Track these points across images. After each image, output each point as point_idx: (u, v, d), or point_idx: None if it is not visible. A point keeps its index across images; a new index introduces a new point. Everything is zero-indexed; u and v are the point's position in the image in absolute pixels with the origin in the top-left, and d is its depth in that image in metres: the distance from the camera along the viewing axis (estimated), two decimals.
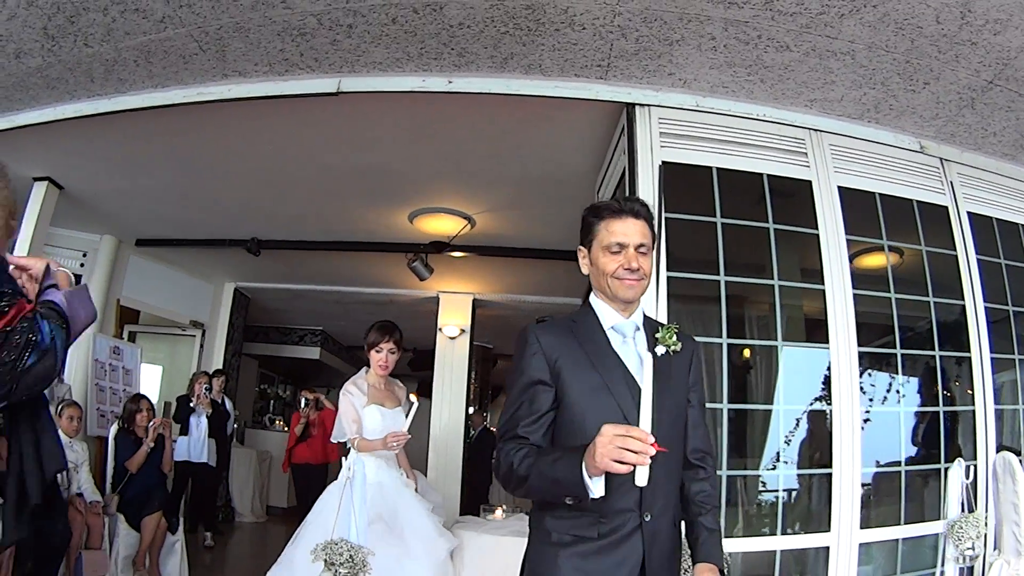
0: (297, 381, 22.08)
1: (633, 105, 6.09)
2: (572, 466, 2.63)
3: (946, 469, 5.67)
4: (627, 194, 5.77)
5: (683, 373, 3.18)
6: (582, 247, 3.24)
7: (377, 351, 6.48)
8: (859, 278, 5.99)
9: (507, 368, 3.10)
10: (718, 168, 5.98)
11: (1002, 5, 4.75)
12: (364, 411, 6.29)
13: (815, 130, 6.27)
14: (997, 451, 5.93)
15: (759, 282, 5.81)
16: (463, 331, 13.75)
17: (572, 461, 2.64)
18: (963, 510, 5.37)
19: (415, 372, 18.29)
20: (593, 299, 3.24)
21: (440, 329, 13.75)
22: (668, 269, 5.61)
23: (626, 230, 3.11)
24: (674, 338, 3.12)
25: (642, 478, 2.52)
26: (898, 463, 5.81)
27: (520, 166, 7.82)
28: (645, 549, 2.84)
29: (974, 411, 6.05)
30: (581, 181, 7.69)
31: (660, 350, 3.09)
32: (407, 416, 6.29)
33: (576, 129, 6.83)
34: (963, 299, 6.27)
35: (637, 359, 3.05)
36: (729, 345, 5.61)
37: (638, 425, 2.58)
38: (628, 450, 2.46)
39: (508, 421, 2.96)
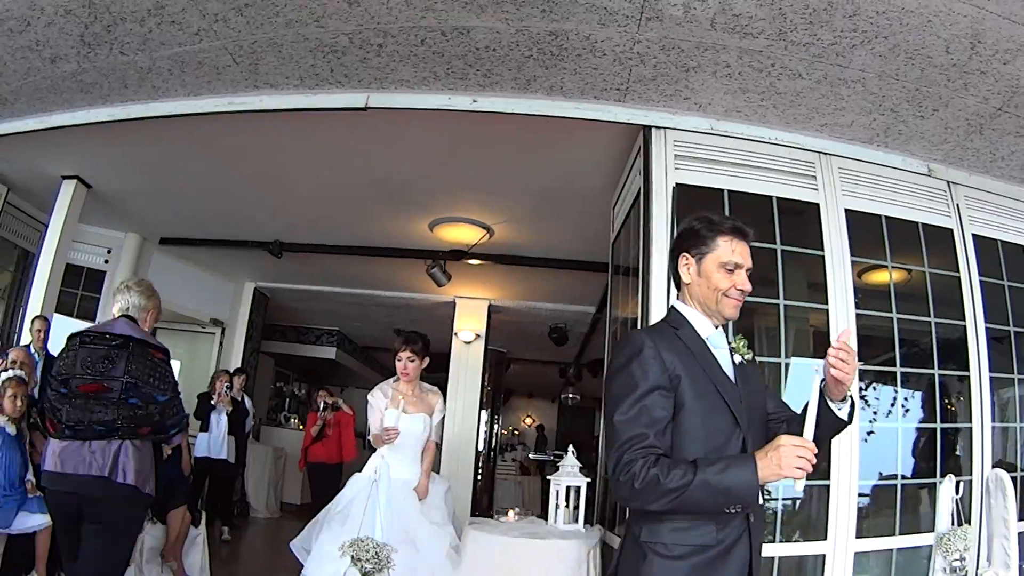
0: (312, 380, 22.14)
1: (649, 127, 6.26)
2: (748, 474, 2.73)
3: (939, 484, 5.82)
4: (643, 214, 6.06)
5: (758, 378, 3.39)
6: (688, 255, 3.23)
7: (398, 359, 6.71)
8: (864, 293, 6.17)
9: (611, 375, 2.96)
10: (729, 190, 6.14)
11: (1012, 36, 4.89)
12: (385, 413, 6.51)
13: (825, 153, 6.41)
14: (993, 467, 6.09)
15: (766, 301, 5.94)
16: (478, 336, 13.90)
17: (745, 470, 2.74)
18: (953, 524, 5.52)
19: (428, 374, 18.41)
20: (684, 308, 3.26)
21: (456, 334, 13.90)
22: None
23: (744, 252, 3.19)
24: (746, 348, 3.30)
25: (801, 485, 2.72)
26: (896, 476, 5.97)
27: (540, 180, 8.01)
28: (752, 548, 2.97)
29: (971, 428, 6.19)
30: (598, 196, 7.88)
31: (736, 359, 3.25)
32: (431, 418, 6.60)
33: (594, 147, 7.01)
34: (964, 319, 6.40)
35: (732, 369, 3.20)
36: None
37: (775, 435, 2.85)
38: (805, 459, 2.68)
39: (629, 428, 2.87)
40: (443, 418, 6.81)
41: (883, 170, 6.57)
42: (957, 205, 6.73)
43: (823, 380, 3.03)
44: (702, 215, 3.30)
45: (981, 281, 6.57)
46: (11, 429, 6.43)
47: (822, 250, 6.10)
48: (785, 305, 5.91)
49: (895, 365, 6.16)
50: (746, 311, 5.96)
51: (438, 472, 7.26)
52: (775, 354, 5.91)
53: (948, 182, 6.76)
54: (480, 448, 14.84)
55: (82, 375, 4.77)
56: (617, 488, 2.85)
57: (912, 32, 4.97)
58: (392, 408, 6.49)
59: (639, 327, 3.09)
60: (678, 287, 3.33)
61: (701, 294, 3.20)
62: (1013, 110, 5.81)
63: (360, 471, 6.61)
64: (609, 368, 3.08)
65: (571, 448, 6.94)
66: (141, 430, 4.91)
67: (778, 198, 6.22)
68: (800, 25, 5.04)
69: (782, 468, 2.68)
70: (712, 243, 3.18)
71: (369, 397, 6.72)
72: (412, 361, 6.68)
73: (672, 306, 3.32)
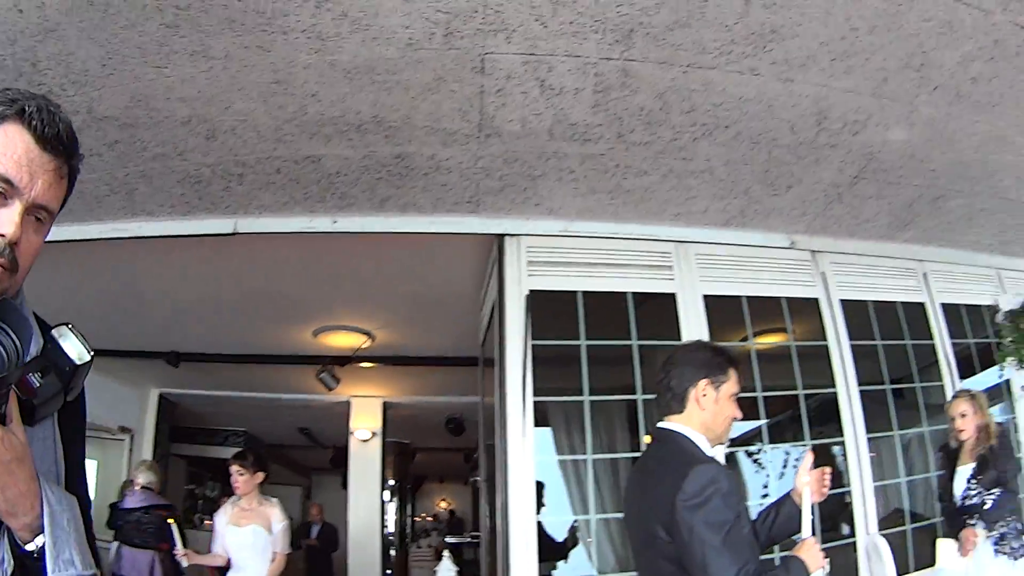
0: (224, 480, 21.85)
1: (503, 236, 6.41)
2: (804, 572, 3.13)
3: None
4: (499, 320, 6.21)
5: None
6: (710, 383, 3.37)
7: (230, 474, 6.73)
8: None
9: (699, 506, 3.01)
10: (584, 291, 6.27)
11: (858, 107, 5.06)
12: (227, 529, 6.57)
13: (681, 242, 6.54)
14: (877, 529, 6.20)
15: (623, 398, 6.13)
16: (374, 434, 13.98)
17: (801, 569, 3.13)
18: None
19: (336, 468, 18.36)
20: (694, 435, 3.35)
21: (352, 433, 13.99)
22: (535, 394, 5.94)
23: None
24: None
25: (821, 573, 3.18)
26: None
27: (410, 287, 8.17)
28: None
29: (851, 491, 6.29)
30: (468, 298, 8.08)
31: None
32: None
33: (458, 255, 7.18)
34: (835, 386, 6.53)
35: None
36: (595, 460, 5.91)
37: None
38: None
39: (738, 555, 2.98)
40: (285, 527, 6.77)
41: (744, 249, 6.70)
42: (823, 273, 6.85)
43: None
44: (706, 344, 3.71)
45: (851, 345, 6.68)
46: None
47: (679, 339, 6.13)
48: (643, 400, 5.97)
49: (762, 443, 6.31)
50: (630, 405, 6.11)
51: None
52: (637, 448, 6.05)
53: (812, 251, 6.90)
54: (391, 537, 14.80)
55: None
56: None
57: (754, 119, 5.14)
58: (231, 524, 6.54)
59: (699, 456, 3.19)
60: (678, 410, 3.43)
61: (713, 421, 3.38)
62: (871, 175, 5.97)
63: None
64: (694, 497, 3.06)
65: (446, 553, 7.09)
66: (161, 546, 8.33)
67: (633, 293, 6.35)
68: (638, 127, 5.21)
69: (817, 561, 3.15)
70: (728, 375, 3.41)
71: (215, 517, 6.78)
72: (241, 475, 6.71)
73: (682, 433, 3.38)
